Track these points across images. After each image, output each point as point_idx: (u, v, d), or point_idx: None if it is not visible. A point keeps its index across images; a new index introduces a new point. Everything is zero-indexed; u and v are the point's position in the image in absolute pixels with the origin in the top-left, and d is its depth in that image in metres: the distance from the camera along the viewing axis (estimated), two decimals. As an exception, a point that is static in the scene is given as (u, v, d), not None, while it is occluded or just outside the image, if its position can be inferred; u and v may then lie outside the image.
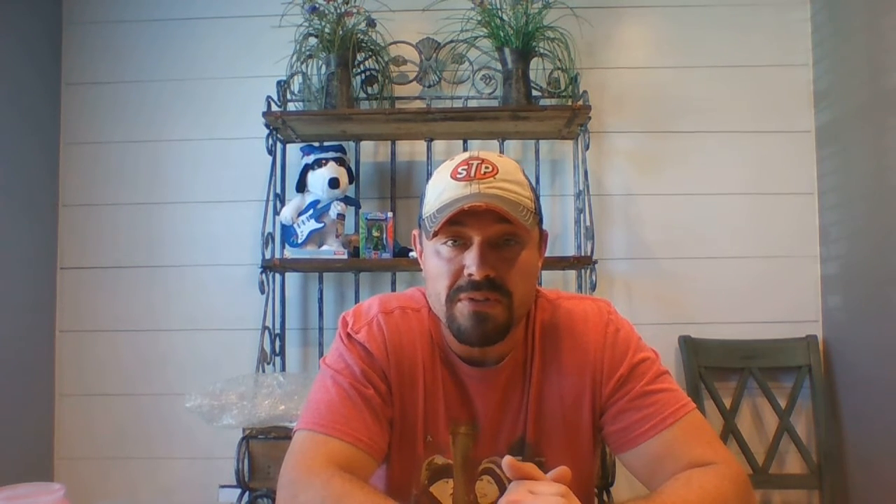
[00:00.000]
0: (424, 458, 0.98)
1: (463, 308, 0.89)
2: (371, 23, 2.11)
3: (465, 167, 0.91)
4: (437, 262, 0.92)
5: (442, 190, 0.91)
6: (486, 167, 0.90)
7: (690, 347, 2.10)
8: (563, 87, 2.16)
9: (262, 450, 1.85)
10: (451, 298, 0.90)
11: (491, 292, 0.88)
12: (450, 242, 0.91)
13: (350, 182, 2.11)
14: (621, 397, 0.95)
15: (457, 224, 0.88)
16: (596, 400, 0.97)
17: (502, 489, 0.92)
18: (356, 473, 0.87)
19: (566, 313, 1.00)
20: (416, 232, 1.01)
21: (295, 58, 2.11)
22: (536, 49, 2.10)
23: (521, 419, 0.98)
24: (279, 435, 1.81)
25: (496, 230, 0.89)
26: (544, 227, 1.01)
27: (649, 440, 0.92)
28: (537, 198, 0.96)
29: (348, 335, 0.98)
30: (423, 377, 0.97)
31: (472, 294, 0.88)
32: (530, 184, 0.95)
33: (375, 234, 2.01)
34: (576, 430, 0.98)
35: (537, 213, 0.95)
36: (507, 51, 2.05)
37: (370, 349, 0.96)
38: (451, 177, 0.91)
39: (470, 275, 0.88)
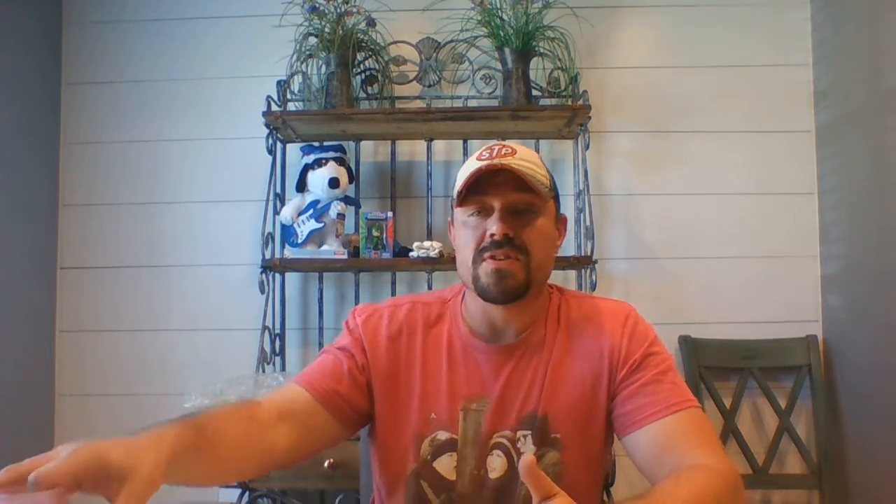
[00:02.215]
0: (427, 434, 1.02)
1: (486, 266, 0.99)
2: (371, 23, 2.11)
3: (488, 151, 1.03)
4: (464, 232, 1.03)
5: (468, 169, 1.02)
6: (506, 150, 1.02)
7: (690, 347, 2.10)
8: (563, 86, 2.16)
9: (262, 450, 1.85)
10: (476, 260, 1.00)
11: (510, 250, 0.98)
12: (475, 212, 1.01)
13: (350, 182, 2.11)
14: (633, 382, 1.00)
15: (481, 194, 1.00)
16: (611, 384, 1.02)
17: (512, 463, 1.00)
18: (299, 413, 0.97)
19: (590, 307, 1.09)
20: (450, 220, 1.12)
21: (295, 57, 2.11)
22: (536, 49, 2.10)
23: (535, 394, 1.02)
24: (279, 435, 1.80)
25: (515, 198, 1.00)
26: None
27: (652, 423, 0.95)
28: (554, 183, 1.08)
29: (352, 319, 1.09)
30: (421, 359, 1.05)
31: (493, 252, 0.98)
32: (548, 171, 1.07)
33: (375, 233, 2.01)
34: (591, 413, 1.02)
35: (553, 190, 1.06)
36: (507, 50, 2.05)
37: (362, 331, 1.06)
38: (476, 159, 1.02)
39: (492, 235, 0.98)
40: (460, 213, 1.04)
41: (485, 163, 0.99)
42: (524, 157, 1.02)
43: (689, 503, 0.79)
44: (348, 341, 1.06)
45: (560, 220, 1.11)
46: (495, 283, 0.98)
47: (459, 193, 1.00)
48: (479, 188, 0.99)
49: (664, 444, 0.93)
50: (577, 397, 1.01)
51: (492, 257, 0.98)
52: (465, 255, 1.02)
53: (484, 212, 1.01)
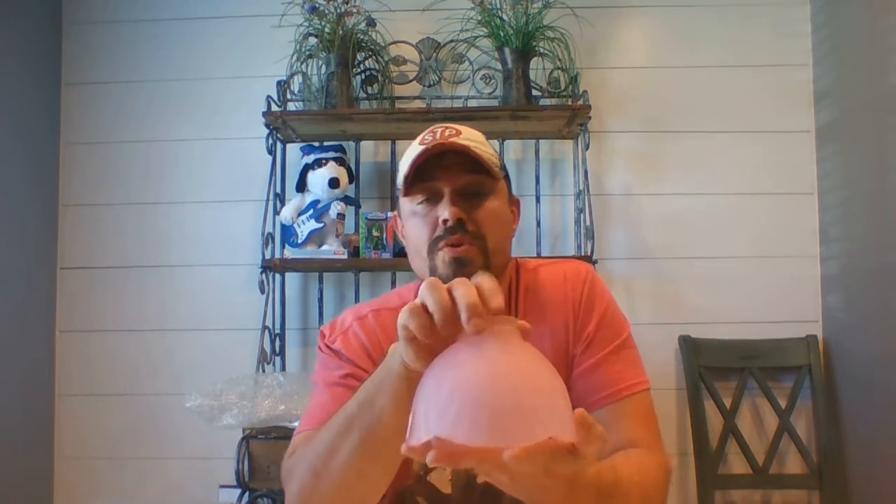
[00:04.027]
0: None
1: (443, 256, 0.93)
2: (371, 23, 2.12)
3: (431, 134, 0.97)
4: (414, 222, 0.98)
5: (412, 154, 0.96)
6: (451, 131, 0.97)
7: (690, 347, 2.10)
8: (563, 86, 2.16)
9: (262, 450, 1.85)
10: (431, 250, 0.95)
11: (464, 236, 0.93)
12: (423, 200, 0.96)
13: (350, 182, 2.11)
14: (587, 359, 0.98)
15: (429, 180, 0.95)
16: (571, 356, 1.00)
17: None
18: None
19: (547, 277, 1.05)
20: (394, 214, 1.07)
21: (295, 58, 2.11)
22: (536, 49, 2.10)
23: None
24: (279, 435, 1.81)
25: (465, 180, 0.95)
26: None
27: (602, 408, 0.94)
28: (503, 163, 1.05)
29: (326, 346, 1.03)
30: None
31: (448, 240, 0.93)
32: (495, 150, 1.02)
33: (375, 233, 2.02)
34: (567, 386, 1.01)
35: (503, 170, 1.02)
36: (507, 51, 2.05)
37: (347, 355, 1.00)
38: (419, 143, 0.97)
39: (445, 220, 0.93)
40: (408, 203, 0.98)
41: (430, 145, 0.93)
42: (470, 136, 0.97)
43: (634, 479, 0.81)
44: (347, 369, 0.98)
45: (513, 202, 1.05)
46: (454, 272, 0.90)
47: (406, 179, 0.94)
48: (426, 174, 0.94)
49: (611, 428, 0.93)
50: None
51: (448, 245, 0.93)
52: (418, 244, 0.96)
53: (433, 198, 0.96)
